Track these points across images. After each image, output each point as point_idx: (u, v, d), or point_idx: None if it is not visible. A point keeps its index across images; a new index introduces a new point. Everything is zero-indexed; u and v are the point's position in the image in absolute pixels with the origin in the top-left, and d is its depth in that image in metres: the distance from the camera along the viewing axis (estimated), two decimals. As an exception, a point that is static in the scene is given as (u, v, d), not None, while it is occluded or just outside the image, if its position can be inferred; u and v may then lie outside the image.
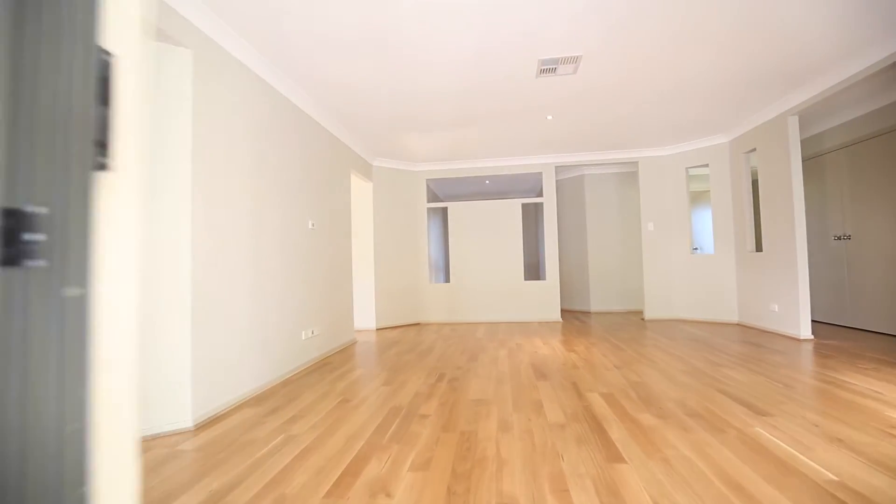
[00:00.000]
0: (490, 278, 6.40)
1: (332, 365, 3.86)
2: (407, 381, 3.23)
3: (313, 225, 4.08)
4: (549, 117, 4.69)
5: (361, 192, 6.09)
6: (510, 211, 6.43)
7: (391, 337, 5.35)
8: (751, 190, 5.27)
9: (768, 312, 4.87)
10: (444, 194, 8.93)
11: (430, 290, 6.48)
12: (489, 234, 6.44)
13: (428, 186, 7.51)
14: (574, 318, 6.61)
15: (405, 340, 5.05)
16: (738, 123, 5.15)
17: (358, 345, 4.88)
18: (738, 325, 5.44)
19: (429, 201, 6.69)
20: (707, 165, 5.82)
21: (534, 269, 9.37)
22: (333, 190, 4.64)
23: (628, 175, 7.21)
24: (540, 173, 6.46)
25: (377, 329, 5.98)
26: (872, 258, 4.60)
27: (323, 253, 4.29)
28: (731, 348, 4.02)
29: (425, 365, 3.74)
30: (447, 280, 6.73)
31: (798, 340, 4.28)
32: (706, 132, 5.46)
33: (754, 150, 5.04)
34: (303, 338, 3.80)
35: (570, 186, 7.51)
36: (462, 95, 4.04)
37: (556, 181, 7.70)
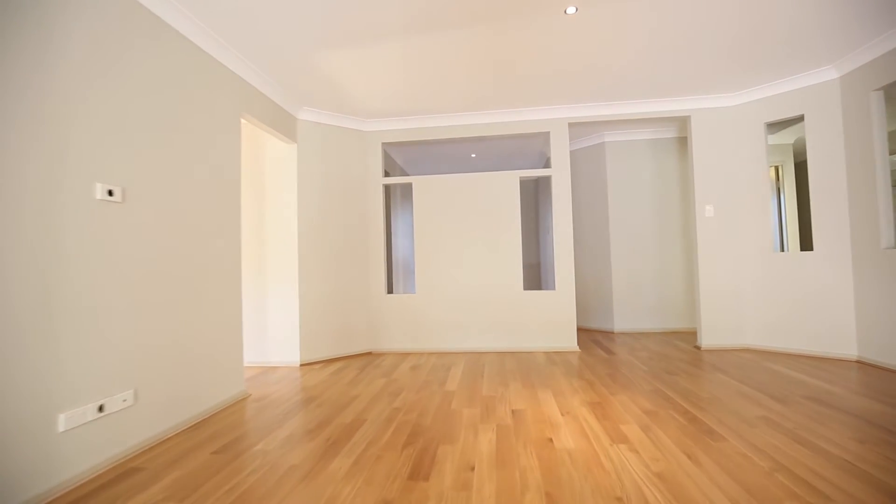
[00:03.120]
0: (474, 288, 4.40)
1: (127, 485, 1.85)
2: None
3: (117, 195, 2.06)
4: (572, 9, 2.69)
5: (277, 156, 4.06)
6: (504, 188, 4.43)
7: (313, 384, 3.34)
8: (885, 148, 3.30)
9: (932, 349, 2.91)
10: (412, 170, 6.91)
11: (387, 305, 4.47)
12: (473, 222, 4.43)
13: (388, 155, 5.48)
14: (594, 342, 4.63)
15: (327, 396, 3.03)
16: (863, 41, 3.18)
17: (239, 409, 2.86)
18: (857, 362, 3.48)
19: (388, 175, 4.64)
20: (802, 118, 3.85)
21: (534, 274, 7.38)
22: (195, 141, 2.62)
23: (668, 142, 5.23)
24: (547, 134, 4.47)
25: (302, 364, 3.96)
26: None
27: (159, 246, 2.27)
28: (929, 434, 2.05)
29: (315, 487, 1.74)
30: (412, 290, 4.70)
31: None
32: (799, 63, 3.49)
33: (903, 80, 3.07)
34: (62, 427, 1.78)
35: (586, 160, 5.52)
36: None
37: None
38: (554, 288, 4.31)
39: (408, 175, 6.73)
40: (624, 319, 5.18)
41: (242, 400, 2.97)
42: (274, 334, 3.98)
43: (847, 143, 3.54)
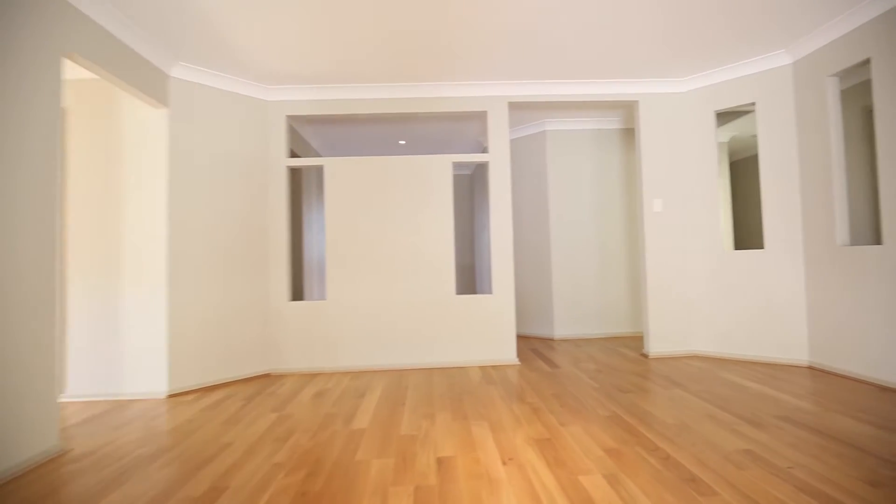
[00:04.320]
0: (398, 293, 3.70)
1: None
2: None
3: None
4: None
5: (139, 122, 3.11)
6: (434, 175, 3.78)
7: (175, 425, 2.46)
8: (841, 138, 3.06)
9: (894, 356, 2.66)
10: (330, 155, 6.07)
11: (290, 315, 3.64)
12: (397, 214, 3.74)
13: (298, 136, 4.63)
14: (534, 352, 4.12)
15: (188, 444, 2.18)
16: (818, 23, 2.92)
17: (41, 477, 1.94)
18: (809, 367, 3.23)
19: (295, 156, 3.80)
20: (752, 105, 3.59)
21: (468, 277, 6.82)
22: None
23: (611, 134, 4.88)
24: (484, 116, 3.90)
25: (170, 396, 3.04)
26: None
27: None
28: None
29: None
30: (321, 296, 3.85)
31: None
32: (750, 47, 3.21)
33: (864, 62, 2.82)
34: None
35: (526, 150, 5.04)
36: None
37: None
38: (490, 292, 3.73)
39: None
40: (565, 325, 4.74)
41: (54, 460, 2.04)
42: (131, 358, 3.01)
43: (800, 132, 3.30)
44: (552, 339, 4.71)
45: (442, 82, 3.67)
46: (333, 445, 2.09)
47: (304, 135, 4.89)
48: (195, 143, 3.26)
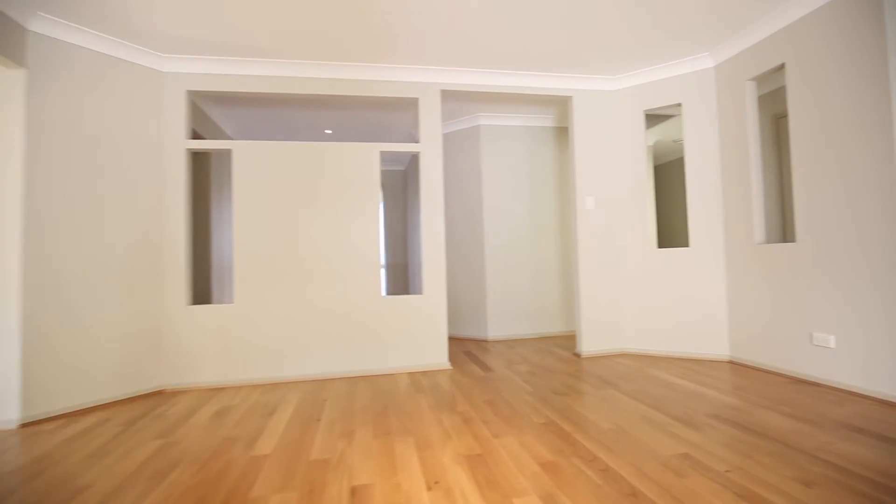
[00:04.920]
0: (317, 293, 3.33)
1: None
2: None
3: None
4: None
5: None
6: (361, 165, 3.46)
7: (25, 461, 1.94)
8: (759, 141, 3.18)
9: (806, 348, 2.77)
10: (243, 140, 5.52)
11: (190, 321, 3.14)
12: (318, 207, 3.37)
13: (206, 118, 4.10)
14: (467, 355, 3.93)
15: (35, 487, 1.70)
16: (738, 27, 3.01)
17: None
18: (730, 362, 3.33)
19: (198, 137, 3.30)
20: (679, 107, 3.66)
21: (401, 277, 6.54)
22: None
23: (545, 132, 4.83)
24: (416, 101, 3.65)
25: (23, 425, 2.46)
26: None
27: None
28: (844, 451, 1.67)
29: None
30: (229, 299, 3.36)
31: (893, 406, 2.19)
32: (677, 49, 3.26)
33: (779, 67, 2.93)
34: None
35: (459, 145, 4.86)
36: None
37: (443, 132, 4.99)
38: (422, 293, 3.48)
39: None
40: (498, 326, 4.62)
41: None
42: (-33, 378, 2.39)
43: (722, 134, 3.39)
44: (486, 341, 4.56)
45: (371, 64, 3.37)
46: (225, 479, 1.72)
47: (213, 117, 4.34)
48: (65, 116, 2.69)
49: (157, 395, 2.96)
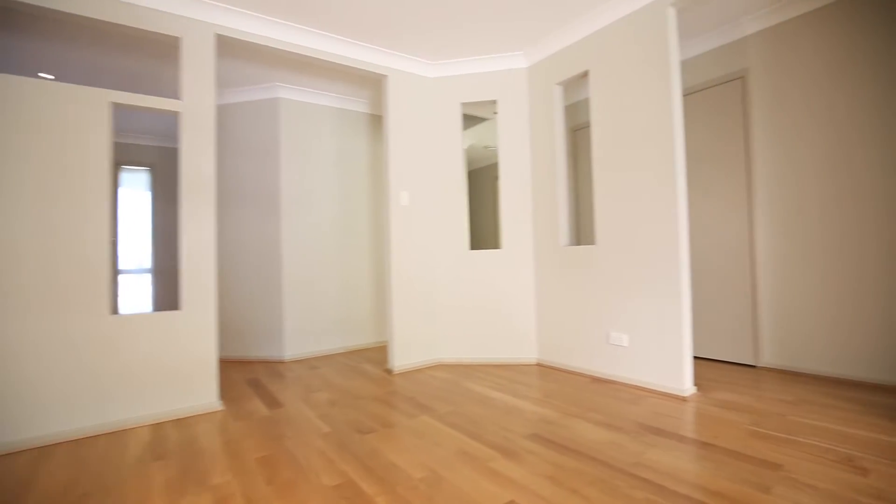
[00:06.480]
0: (8, 320, 2.04)
1: None
2: None
3: None
4: None
5: None
6: (83, 120, 2.28)
7: None
8: (565, 146, 3.23)
9: (604, 347, 2.86)
10: None
11: None
12: (5, 188, 2.08)
13: None
14: (252, 385, 3.05)
15: None
16: (551, 29, 3.01)
17: None
18: (537, 365, 3.30)
19: None
20: (495, 102, 3.54)
21: (172, 285, 5.11)
22: None
23: (356, 117, 4.26)
24: (177, 41, 2.63)
25: None
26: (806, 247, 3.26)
27: None
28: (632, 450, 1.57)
29: None
30: None
31: (677, 399, 2.33)
32: (492, 44, 3.13)
33: (584, 74, 2.99)
34: None
35: (250, 119, 3.91)
36: None
37: (229, 102, 3.94)
38: (179, 307, 2.49)
39: None
40: (298, 342, 3.83)
41: None
42: None
43: (533, 137, 3.38)
44: (282, 362, 3.72)
45: (94, -29, 2.26)
46: None
47: None
48: None
49: None
